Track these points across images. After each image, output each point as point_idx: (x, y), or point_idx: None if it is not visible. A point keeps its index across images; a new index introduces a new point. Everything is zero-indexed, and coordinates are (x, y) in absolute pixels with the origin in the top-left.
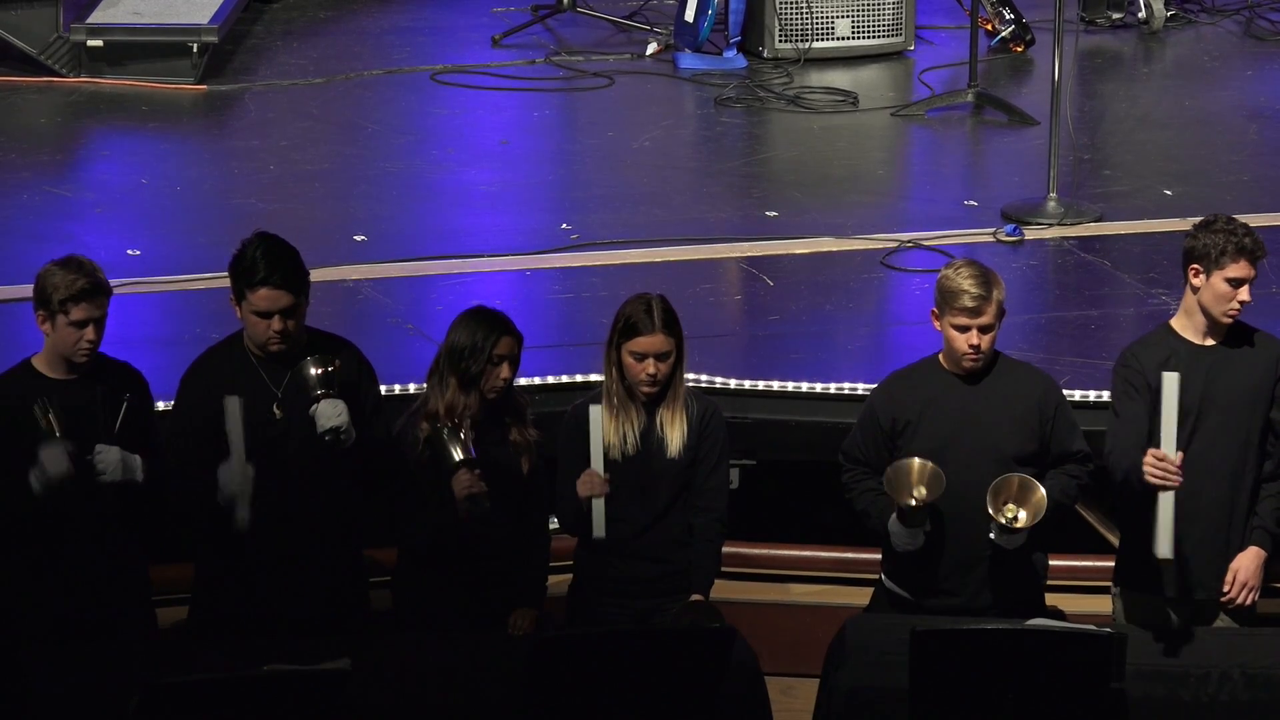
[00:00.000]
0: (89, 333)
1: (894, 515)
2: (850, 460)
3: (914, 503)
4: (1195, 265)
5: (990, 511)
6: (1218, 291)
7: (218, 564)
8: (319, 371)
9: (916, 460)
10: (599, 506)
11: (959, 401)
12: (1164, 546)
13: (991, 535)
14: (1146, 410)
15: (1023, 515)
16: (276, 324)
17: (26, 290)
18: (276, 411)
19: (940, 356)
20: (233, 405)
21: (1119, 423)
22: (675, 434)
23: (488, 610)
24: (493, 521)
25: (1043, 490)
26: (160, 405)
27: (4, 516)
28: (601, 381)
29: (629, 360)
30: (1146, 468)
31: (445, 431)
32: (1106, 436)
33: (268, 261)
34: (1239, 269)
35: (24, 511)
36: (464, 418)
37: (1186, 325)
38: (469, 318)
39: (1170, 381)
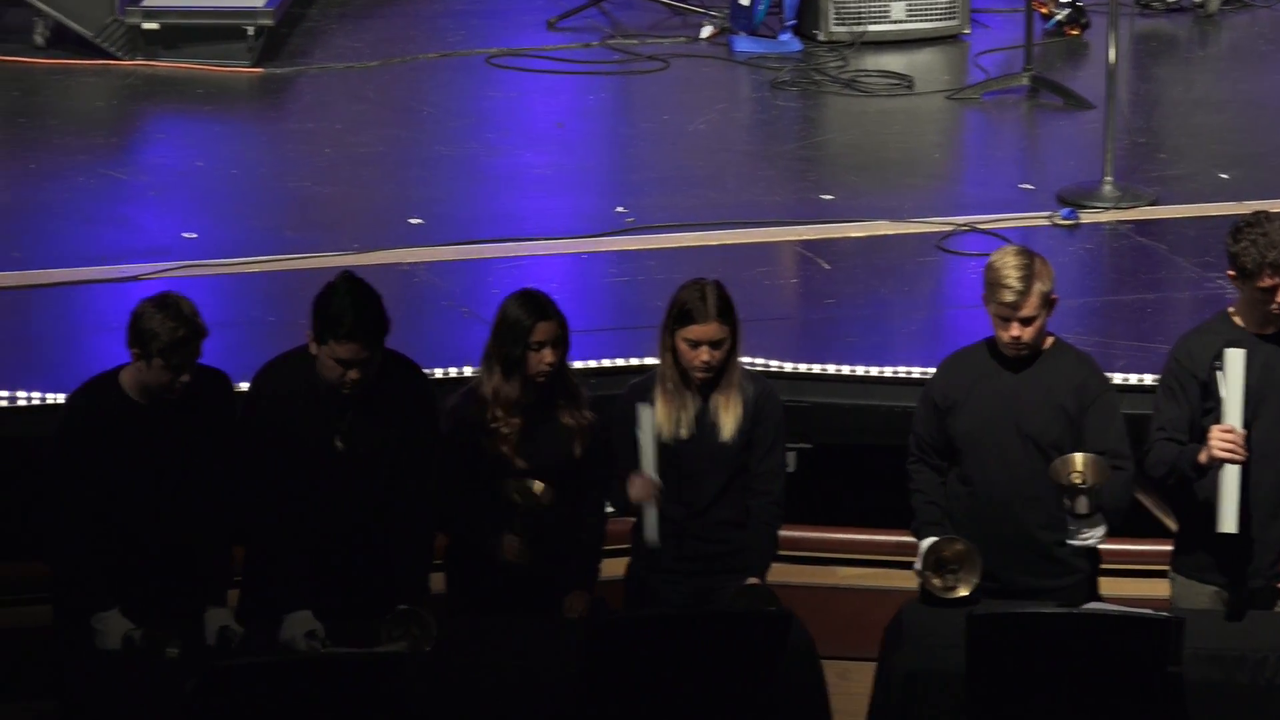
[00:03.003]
0: (185, 377)
1: (929, 540)
2: (914, 439)
3: (1078, 482)
4: (1231, 270)
5: (1064, 484)
6: (1253, 298)
7: (269, 560)
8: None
9: (1080, 454)
10: (651, 513)
11: (1002, 385)
12: (1228, 521)
13: (1071, 541)
14: (1187, 413)
15: (1093, 478)
16: (353, 374)
17: (83, 273)
18: (338, 443)
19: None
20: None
21: (1156, 418)
22: (729, 419)
23: (540, 593)
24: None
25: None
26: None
27: (85, 530)
28: (655, 366)
29: (683, 347)
30: (1213, 441)
31: (514, 489)
32: (1150, 430)
33: (354, 316)
34: (1269, 280)
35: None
36: (543, 497)
37: (1242, 314)
38: (510, 302)
39: (1236, 357)
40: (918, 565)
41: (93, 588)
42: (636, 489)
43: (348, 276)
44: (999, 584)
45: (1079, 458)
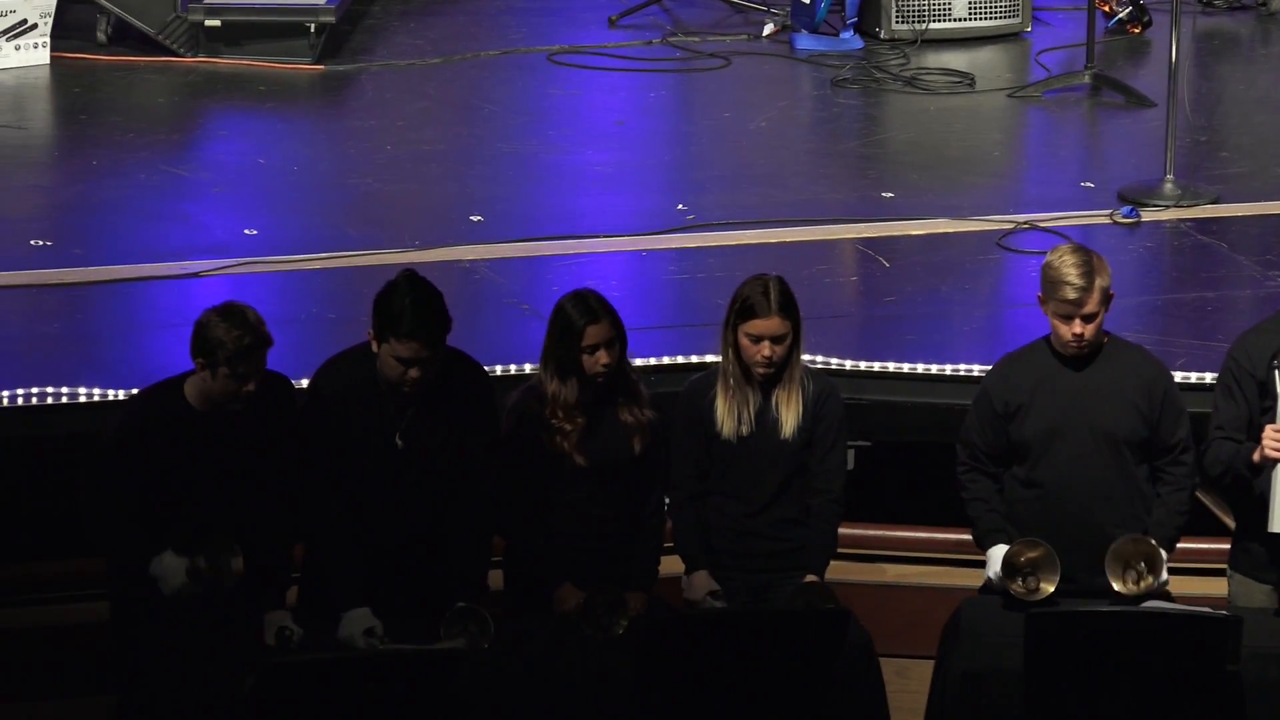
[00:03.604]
0: (250, 386)
1: (998, 548)
2: (967, 448)
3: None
4: None
5: (1118, 588)
6: None
7: (328, 557)
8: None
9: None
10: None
11: (1069, 384)
12: (1279, 522)
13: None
14: (1245, 412)
15: (1148, 577)
16: (414, 372)
17: (144, 270)
18: (398, 441)
19: (1050, 339)
20: None
21: (1215, 417)
22: (790, 415)
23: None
24: (603, 504)
25: (1157, 546)
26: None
27: (137, 525)
28: (717, 362)
29: (745, 342)
30: (1265, 442)
31: (596, 605)
32: (1209, 429)
33: (415, 314)
34: None
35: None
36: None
37: None
38: (561, 305)
39: None
40: (994, 572)
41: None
42: (694, 590)
43: (409, 275)
44: (1075, 585)
45: (1133, 585)
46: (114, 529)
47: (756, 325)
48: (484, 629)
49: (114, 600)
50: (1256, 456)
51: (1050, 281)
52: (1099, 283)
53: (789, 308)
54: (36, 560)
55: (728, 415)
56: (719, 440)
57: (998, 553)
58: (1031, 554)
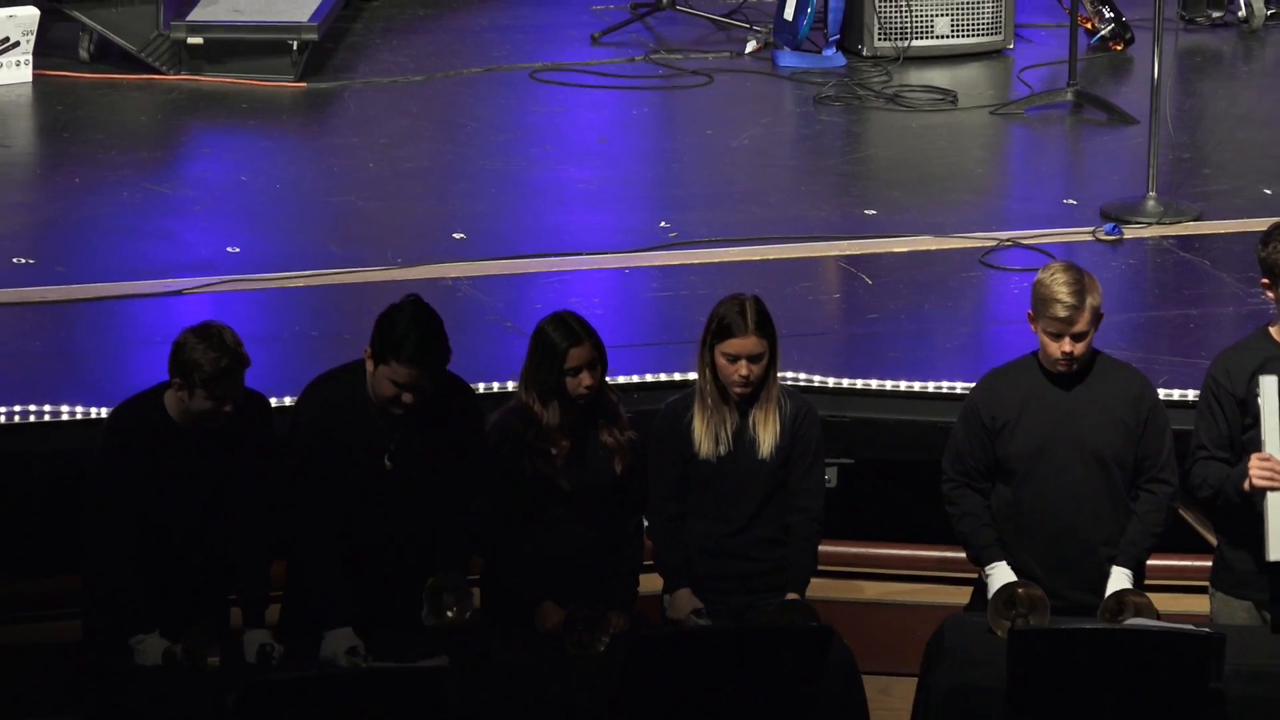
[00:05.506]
0: (228, 407)
1: (999, 565)
2: (955, 463)
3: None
4: (1264, 279)
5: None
6: None
7: (311, 575)
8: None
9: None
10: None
11: (1056, 402)
12: (1276, 550)
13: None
14: (1227, 431)
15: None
16: (408, 397)
17: (126, 288)
18: (387, 463)
19: (1038, 355)
20: (1269, 385)
21: (1196, 436)
22: (767, 435)
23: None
24: (584, 524)
25: (1146, 599)
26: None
27: (127, 550)
28: (694, 382)
29: (721, 361)
30: (1252, 470)
31: (578, 628)
32: (1191, 448)
33: (419, 341)
34: None
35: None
36: (598, 626)
37: None
38: (542, 329)
39: (1270, 384)
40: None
41: (132, 608)
42: (677, 609)
43: (416, 300)
44: (1064, 602)
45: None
46: (103, 550)
47: (733, 344)
48: (464, 601)
49: (85, 620)
50: (1246, 486)
51: (1041, 299)
52: (1090, 301)
53: (765, 326)
54: (11, 579)
55: (705, 436)
56: (697, 461)
57: (1001, 569)
58: (1027, 591)
